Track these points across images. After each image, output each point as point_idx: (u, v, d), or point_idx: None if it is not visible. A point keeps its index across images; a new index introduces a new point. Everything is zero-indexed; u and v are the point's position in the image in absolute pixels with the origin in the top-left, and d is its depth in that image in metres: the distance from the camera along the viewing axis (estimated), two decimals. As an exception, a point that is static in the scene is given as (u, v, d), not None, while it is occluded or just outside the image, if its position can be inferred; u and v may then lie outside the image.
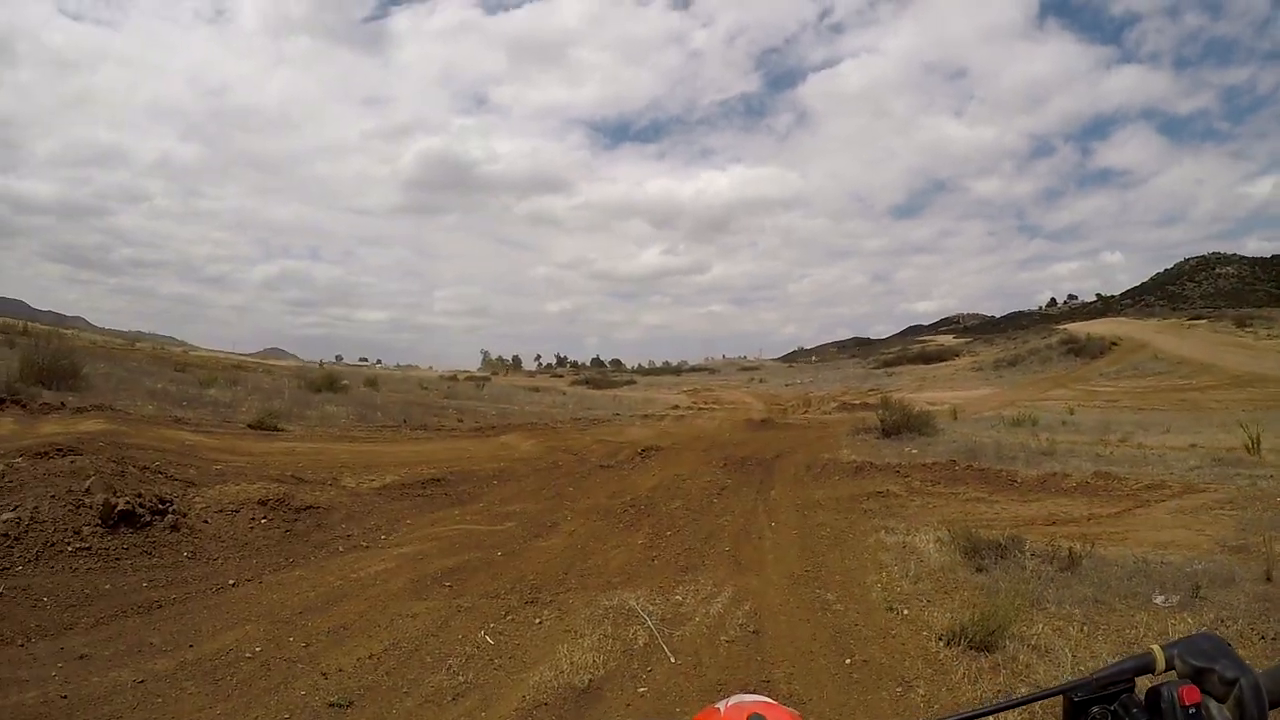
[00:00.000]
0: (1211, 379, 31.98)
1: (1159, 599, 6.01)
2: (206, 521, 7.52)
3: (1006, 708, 0.99)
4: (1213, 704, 0.81)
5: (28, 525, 6.34)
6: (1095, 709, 0.85)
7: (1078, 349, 51.93)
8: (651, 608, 6.14)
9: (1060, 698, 0.88)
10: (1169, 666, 0.86)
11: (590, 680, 4.81)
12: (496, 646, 5.38)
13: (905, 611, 6.13)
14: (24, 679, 4.34)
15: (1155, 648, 0.87)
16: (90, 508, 6.77)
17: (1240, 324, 57.04)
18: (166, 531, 7.05)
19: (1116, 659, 0.89)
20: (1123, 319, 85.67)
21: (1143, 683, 0.86)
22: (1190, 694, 0.80)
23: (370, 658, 5.05)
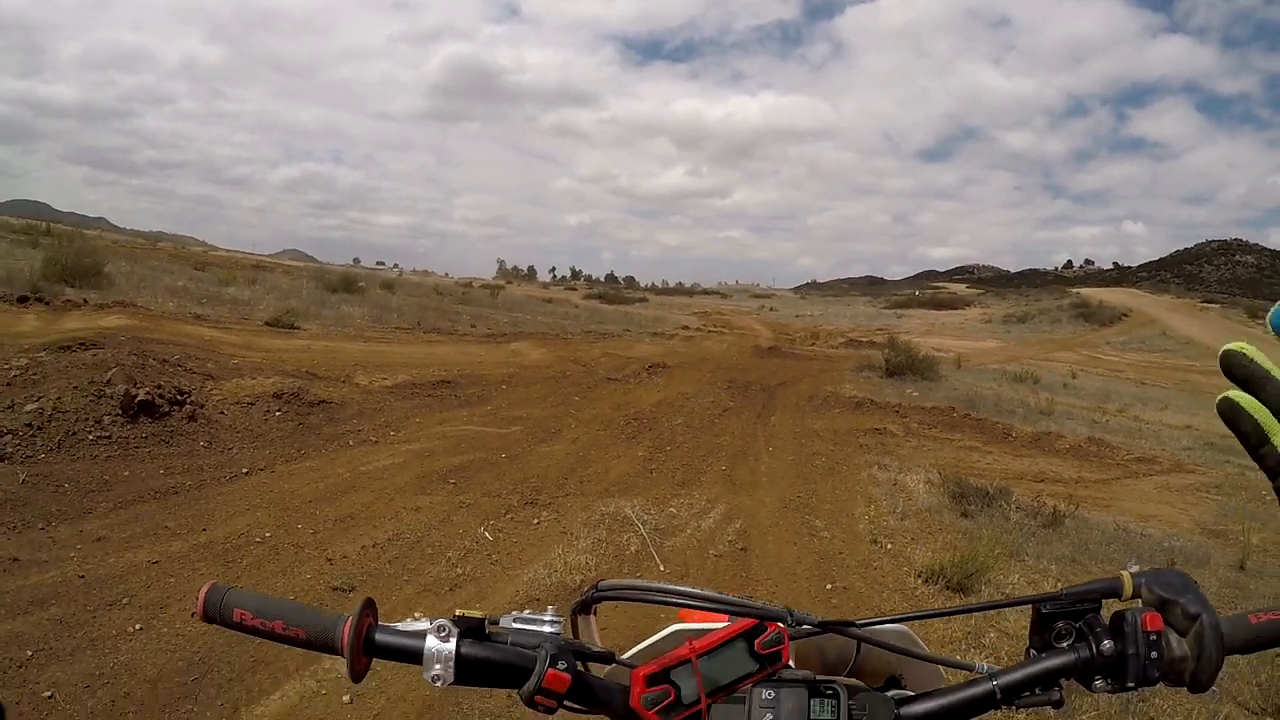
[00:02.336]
0: (1216, 365, 31.71)
1: (1133, 568, 6.12)
2: (223, 413, 7.72)
3: (981, 609, 1.04)
4: (1173, 635, 0.84)
5: (51, 415, 6.50)
6: (1061, 623, 0.88)
7: (1088, 315, 51.50)
8: (646, 517, 6.36)
9: (1030, 607, 0.91)
10: (1135, 594, 0.89)
11: (581, 580, 5.03)
12: (495, 542, 5.61)
13: (889, 545, 6.35)
14: (44, 560, 4.53)
15: (1125, 573, 0.90)
16: (111, 398, 6.94)
17: (1253, 315, 56.07)
18: (184, 421, 7.25)
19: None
20: (1136, 291, 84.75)
21: (1110, 606, 0.90)
22: (1153, 621, 0.85)
23: (374, 546, 5.28)
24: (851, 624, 0.97)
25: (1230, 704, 4.00)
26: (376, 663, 0.85)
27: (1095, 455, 11.28)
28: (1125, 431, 13.62)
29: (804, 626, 0.96)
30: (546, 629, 0.88)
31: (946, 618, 4.66)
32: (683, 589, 0.95)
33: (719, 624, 1.00)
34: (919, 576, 5.64)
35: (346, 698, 3.49)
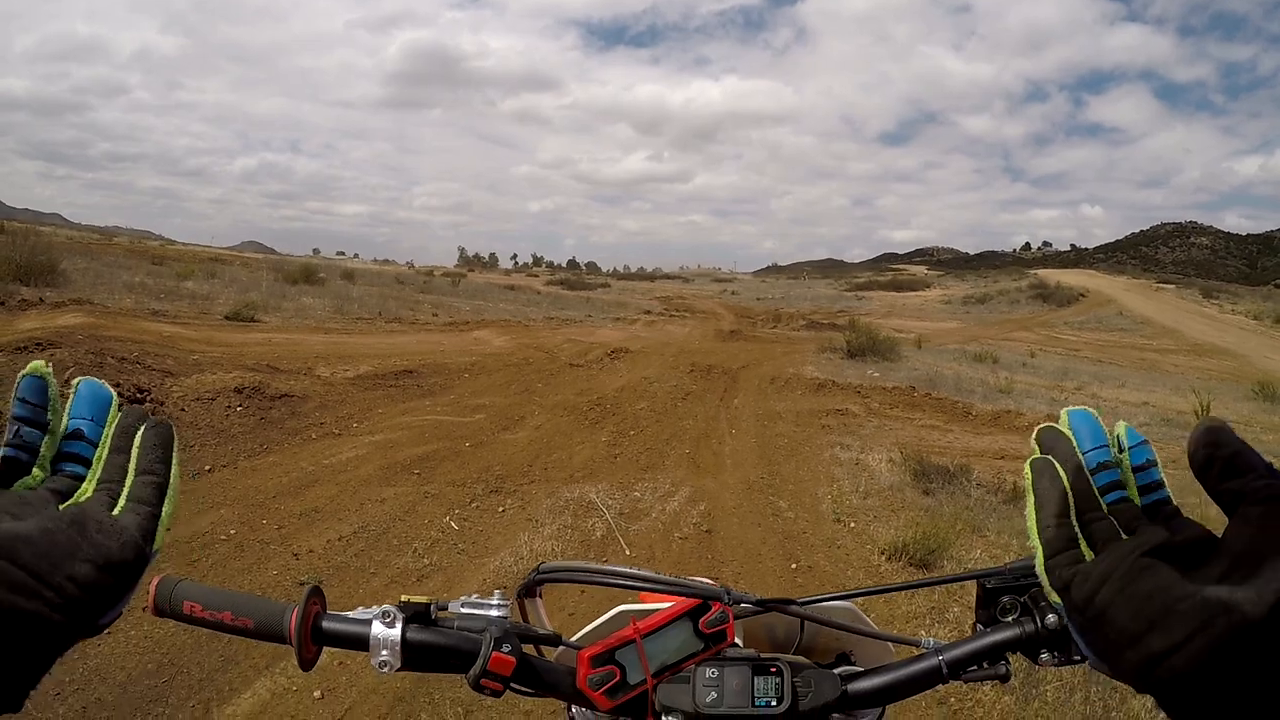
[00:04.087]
0: (1172, 343, 32.00)
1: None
2: (183, 410, 7.65)
3: (926, 585, 1.07)
4: None
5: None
6: (1006, 598, 0.88)
7: (1046, 295, 52.04)
8: (611, 502, 6.41)
9: (975, 583, 0.92)
10: None
11: (548, 566, 5.07)
12: (460, 532, 5.63)
13: (852, 524, 6.43)
14: None
15: None
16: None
17: (1207, 294, 57.38)
18: (143, 417, 7.17)
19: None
20: (1094, 272, 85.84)
21: None
22: None
23: (340, 540, 5.28)
24: (793, 602, 0.99)
25: None
26: (348, 656, 0.86)
27: (1055, 432, 11.40)
28: (1084, 409, 13.79)
29: (745, 605, 0.98)
30: (493, 613, 0.89)
31: (909, 591, 4.77)
32: (622, 569, 0.97)
33: (665, 604, 1.01)
34: (882, 554, 5.72)
35: (318, 693, 3.50)
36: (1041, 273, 70.18)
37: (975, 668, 0.89)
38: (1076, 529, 0.60)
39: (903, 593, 5.16)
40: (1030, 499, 0.63)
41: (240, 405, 8.03)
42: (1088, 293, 53.02)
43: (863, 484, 7.47)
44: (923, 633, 4.38)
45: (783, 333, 27.10)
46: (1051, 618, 0.84)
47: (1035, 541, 0.62)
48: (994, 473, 7.91)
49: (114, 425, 0.61)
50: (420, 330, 17.53)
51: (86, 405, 0.61)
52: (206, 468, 6.52)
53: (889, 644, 1.10)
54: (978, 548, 5.89)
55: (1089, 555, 0.58)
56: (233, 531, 5.26)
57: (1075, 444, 0.65)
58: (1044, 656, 0.85)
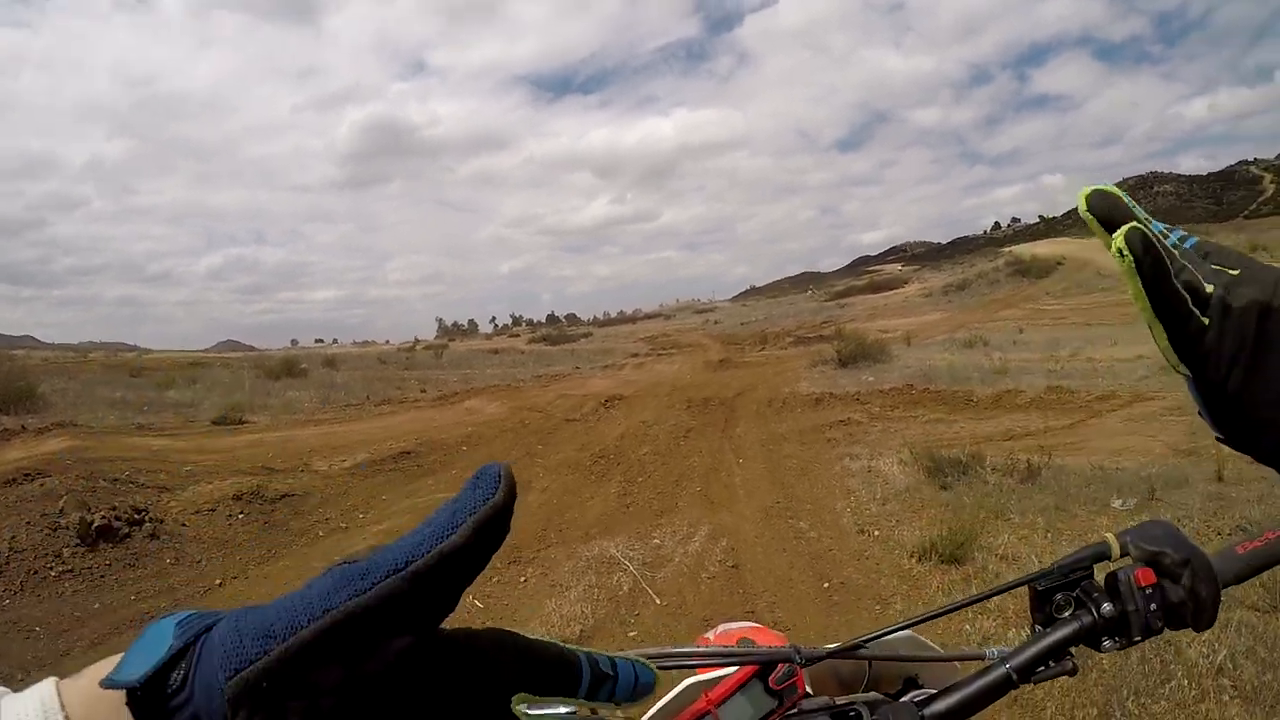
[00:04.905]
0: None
1: (1117, 503, 6.25)
2: (184, 525, 7.54)
3: (979, 600, 1.03)
4: (1167, 583, 0.85)
5: (7, 556, 6.31)
6: (1059, 596, 0.89)
7: (1024, 270, 52.07)
8: (632, 553, 6.30)
9: (1026, 588, 0.92)
10: (1124, 553, 0.89)
11: (581, 630, 4.97)
12: (486, 609, 5.52)
13: (876, 533, 6.36)
14: None
15: (1109, 535, 0.90)
16: (67, 528, 6.76)
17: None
18: (146, 540, 7.07)
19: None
20: (1066, 239, 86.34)
21: (1101, 569, 0.90)
22: (1145, 575, 0.85)
23: (365, 635, 5.15)
24: (859, 644, 0.96)
25: (1240, 608, 4.09)
26: None
27: (1057, 403, 11.40)
28: (1081, 374, 13.79)
29: (814, 658, 0.95)
30: (560, 709, 0.86)
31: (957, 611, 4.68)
32: (682, 650, 0.92)
33: (728, 670, 0.99)
34: (912, 557, 5.65)
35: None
36: (1015, 249, 70.35)
37: (1043, 668, 0.88)
38: (1180, 291, 0.57)
39: (941, 588, 5.09)
40: (1134, 279, 0.57)
41: (242, 512, 7.92)
42: (1064, 260, 53.14)
43: (879, 491, 7.42)
44: (989, 642, 4.32)
45: (772, 353, 27.12)
46: (1107, 606, 0.86)
47: (1151, 319, 0.58)
48: (1006, 454, 7.86)
49: None
50: (411, 408, 17.42)
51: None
52: (217, 582, 6.41)
53: (954, 663, 1.09)
54: (1004, 533, 5.84)
55: (1205, 320, 0.56)
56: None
57: (1127, 201, 0.60)
58: (1106, 644, 0.87)
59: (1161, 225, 0.60)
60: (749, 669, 0.96)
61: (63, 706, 0.40)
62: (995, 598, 1.04)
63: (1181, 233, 0.61)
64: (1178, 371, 0.59)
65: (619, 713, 1.07)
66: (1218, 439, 0.57)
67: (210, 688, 0.40)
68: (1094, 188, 0.61)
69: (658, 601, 5.38)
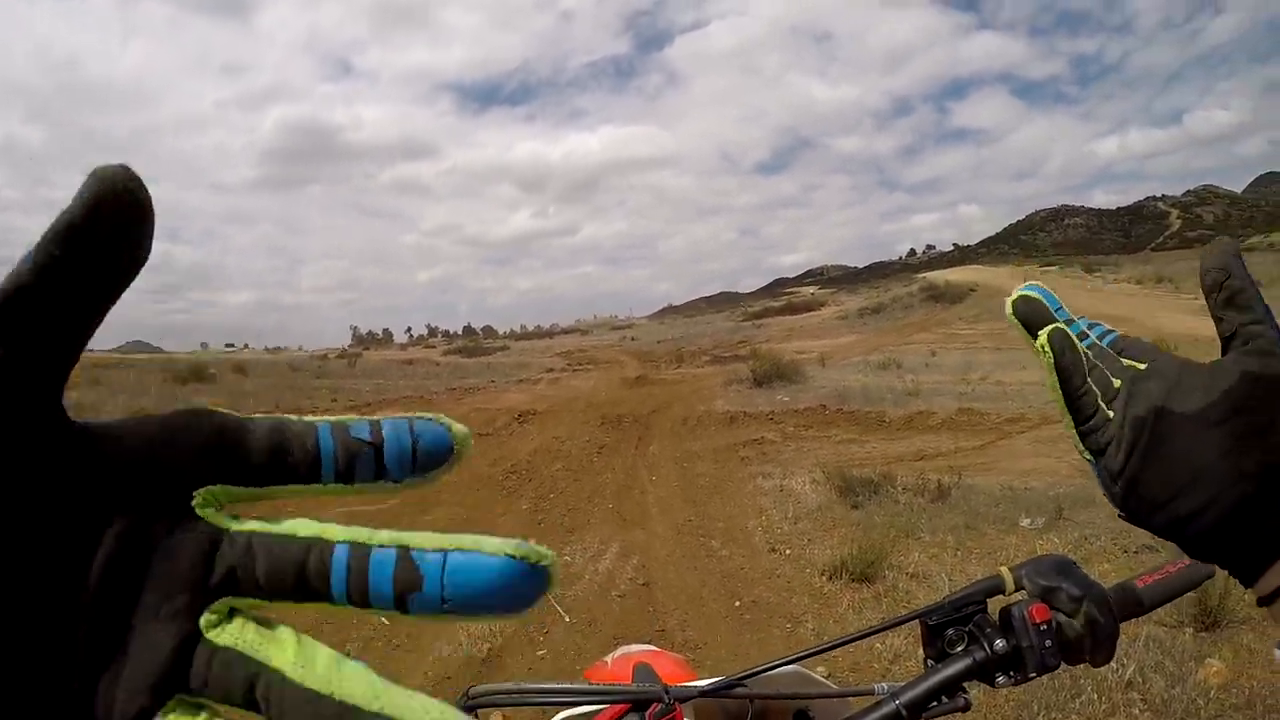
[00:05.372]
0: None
1: (1025, 522, 6.38)
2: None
3: (868, 635, 1.04)
4: (1063, 619, 0.85)
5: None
6: (950, 631, 0.89)
7: (938, 295, 52.62)
8: (542, 571, 6.23)
9: (917, 622, 0.92)
10: (1018, 587, 0.90)
11: (490, 648, 4.90)
12: (391, 627, 5.39)
13: (788, 551, 6.39)
14: None
15: (1003, 569, 0.91)
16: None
17: (1089, 269, 59.77)
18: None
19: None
20: (979, 267, 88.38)
21: (995, 604, 0.91)
22: (1040, 611, 0.85)
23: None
24: (739, 681, 0.95)
25: (1149, 623, 4.18)
26: None
27: (968, 424, 11.61)
28: (992, 397, 14.05)
29: (684, 697, 0.94)
30: None
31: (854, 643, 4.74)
32: (555, 686, 0.94)
33: (603, 707, 0.99)
34: (823, 575, 5.69)
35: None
36: (930, 275, 71.45)
37: (935, 704, 0.87)
38: (1092, 387, 0.63)
39: (852, 606, 5.14)
40: (1051, 374, 0.65)
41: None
42: (977, 286, 54.04)
43: (791, 509, 7.46)
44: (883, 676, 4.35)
45: (688, 371, 27.21)
46: (1000, 642, 0.86)
47: (1063, 410, 0.65)
48: (917, 475, 7.97)
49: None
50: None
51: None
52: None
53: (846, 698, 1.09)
54: (914, 551, 5.92)
55: (1109, 414, 0.61)
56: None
57: (1047, 306, 0.67)
58: (1000, 680, 0.87)
59: (1085, 323, 0.66)
60: (622, 706, 0.94)
61: None
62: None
63: (1104, 329, 0.67)
64: (1083, 457, 0.64)
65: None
66: (1119, 516, 0.62)
67: None
68: (1020, 293, 0.67)
69: (567, 619, 5.33)
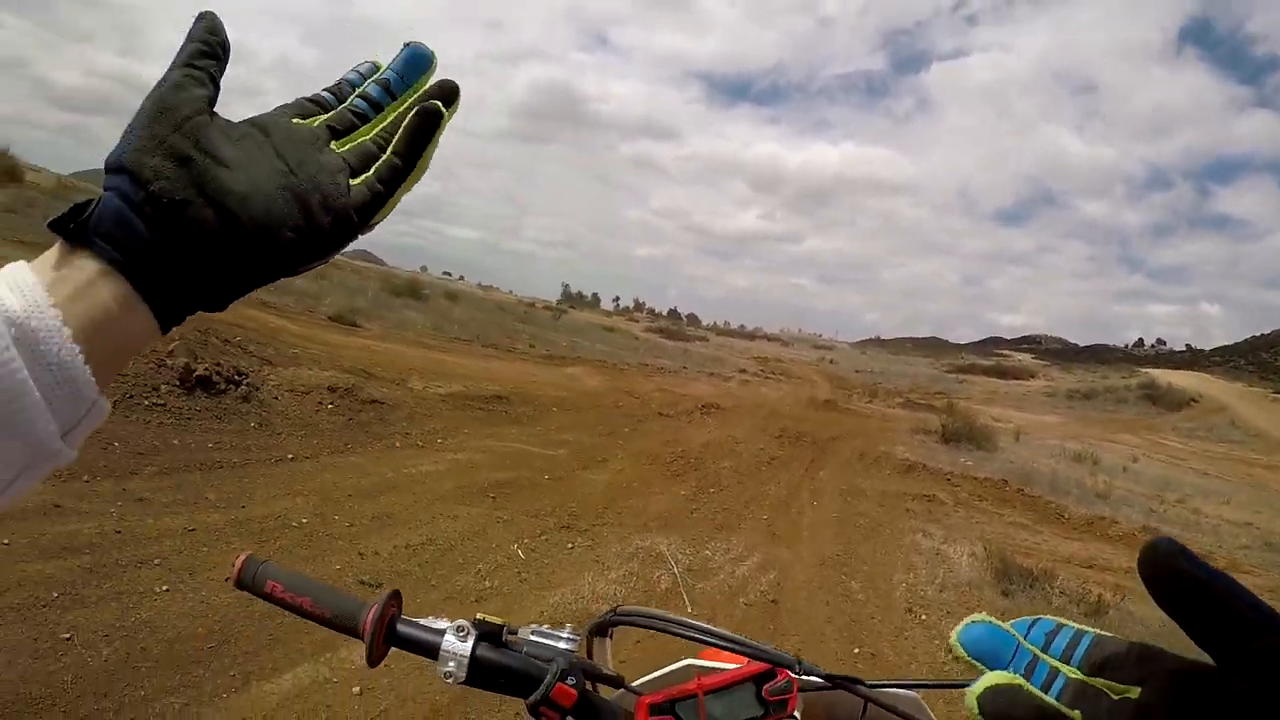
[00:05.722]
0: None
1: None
2: (277, 398, 7.82)
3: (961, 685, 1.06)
4: None
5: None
6: None
7: (1155, 397, 49.40)
8: (681, 556, 6.29)
9: None
10: None
11: (608, 611, 4.98)
12: (526, 561, 5.58)
13: (924, 616, 6.18)
14: (84, 510, 4.63)
15: None
16: (170, 369, 7.08)
17: None
18: (238, 401, 7.36)
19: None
20: (1208, 376, 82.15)
21: None
22: None
23: (406, 548, 5.28)
24: (860, 682, 0.95)
25: None
26: (393, 661, 0.86)
27: (1149, 546, 10.90)
28: (1183, 524, 13.16)
29: (813, 678, 0.96)
30: (562, 645, 0.90)
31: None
32: (697, 624, 0.97)
33: (732, 665, 1.02)
34: (948, 653, 5.48)
35: (356, 689, 3.48)
36: (1153, 372, 67.01)
37: None
38: None
39: (954, 689, 4.94)
40: None
41: (332, 404, 8.17)
42: (1200, 398, 50.57)
43: (940, 576, 7.20)
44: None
45: (878, 408, 26.63)
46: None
47: None
48: (1079, 581, 7.55)
49: (419, 93, 0.65)
50: (516, 359, 17.71)
51: (403, 62, 0.65)
52: (289, 456, 6.63)
53: None
54: None
55: None
56: (304, 520, 5.32)
57: (1025, 686, 0.54)
58: None
59: (1058, 638, 0.56)
60: (747, 670, 0.97)
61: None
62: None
63: (1073, 631, 0.56)
64: None
65: (610, 662, 1.11)
66: None
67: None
68: (986, 684, 0.54)
69: (689, 610, 5.36)
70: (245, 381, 7.67)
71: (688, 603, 5.45)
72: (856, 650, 5.32)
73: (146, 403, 6.57)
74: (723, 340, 79.68)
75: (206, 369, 7.27)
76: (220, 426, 6.84)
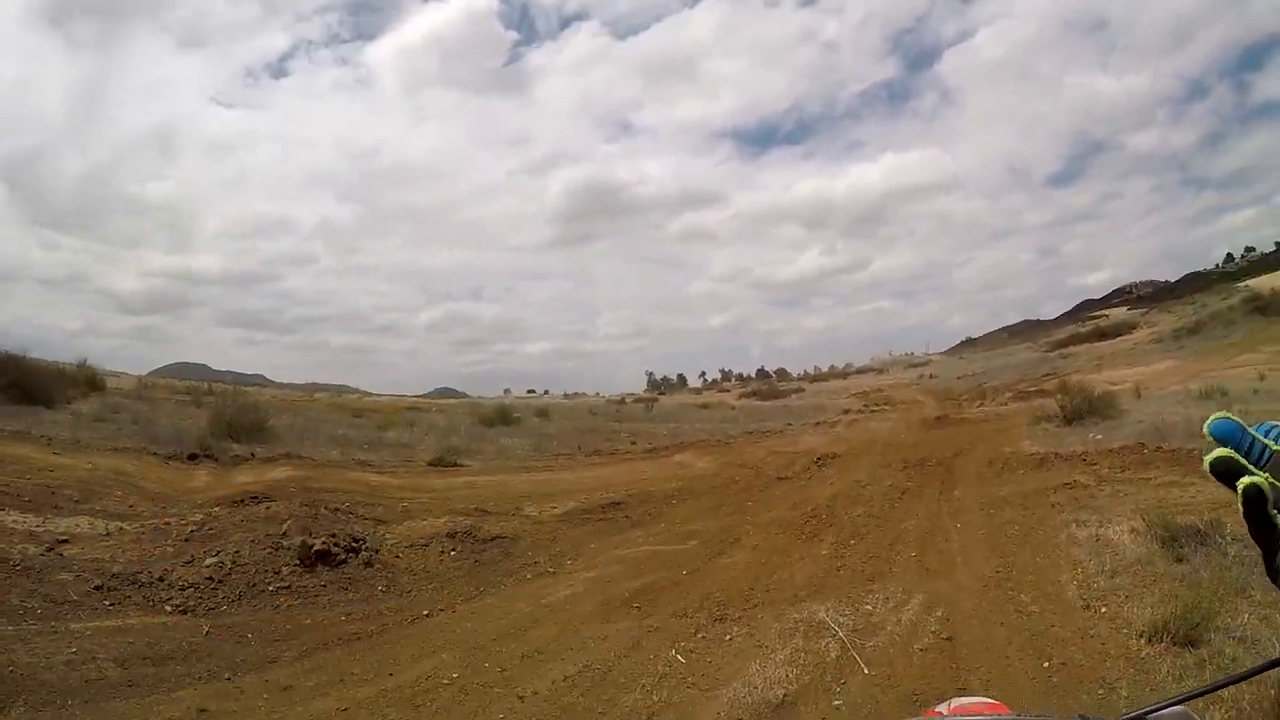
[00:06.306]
0: None
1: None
2: (398, 556, 7.82)
3: (1230, 683, 1.02)
4: None
5: (230, 568, 6.75)
6: None
7: (1263, 307, 46.33)
8: (841, 619, 6.02)
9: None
10: None
11: (784, 694, 4.77)
12: (688, 665, 5.38)
13: (1103, 609, 5.81)
14: (232, 710, 4.61)
15: None
16: (288, 549, 7.16)
17: None
18: (361, 567, 7.37)
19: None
20: (1310, 265, 77.81)
21: None
22: None
23: (565, 680, 5.14)
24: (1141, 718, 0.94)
25: None
26: None
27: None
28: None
29: None
30: None
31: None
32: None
33: None
34: (1141, 637, 5.09)
35: None
36: (1253, 282, 63.25)
37: None
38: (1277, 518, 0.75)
39: (1209, 694, 4.56)
40: (1244, 515, 0.78)
41: (454, 550, 8.15)
42: (1310, 290, 47.70)
43: (1107, 562, 6.78)
44: None
45: (991, 409, 25.97)
46: None
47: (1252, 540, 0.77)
48: (1246, 520, 7.04)
49: None
50: (621, 460, 17.62)
51: None
52: (425, 613, 6.60)
53: None
54: (1244, 611, 5.14)
55: None
56: (455, 675, 5.25)
57: (1238, 458, 0.81)
58: None
59: (1274, 431, 0.83)
60: None
61: None
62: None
63: None
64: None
65: None
66: None
67: None
68: (1214, 456, 0.82)
69: (866, 671, 5.09)
70: (364, 546, 7.70)
71: (862, 665, 5.19)
72: (1046, 664, 5.03)
73: (271, 588, 6.63)
74: (818, 386, 79.04)
75: (323, 542, 7.32)
76: (348, 597, 6.85)
